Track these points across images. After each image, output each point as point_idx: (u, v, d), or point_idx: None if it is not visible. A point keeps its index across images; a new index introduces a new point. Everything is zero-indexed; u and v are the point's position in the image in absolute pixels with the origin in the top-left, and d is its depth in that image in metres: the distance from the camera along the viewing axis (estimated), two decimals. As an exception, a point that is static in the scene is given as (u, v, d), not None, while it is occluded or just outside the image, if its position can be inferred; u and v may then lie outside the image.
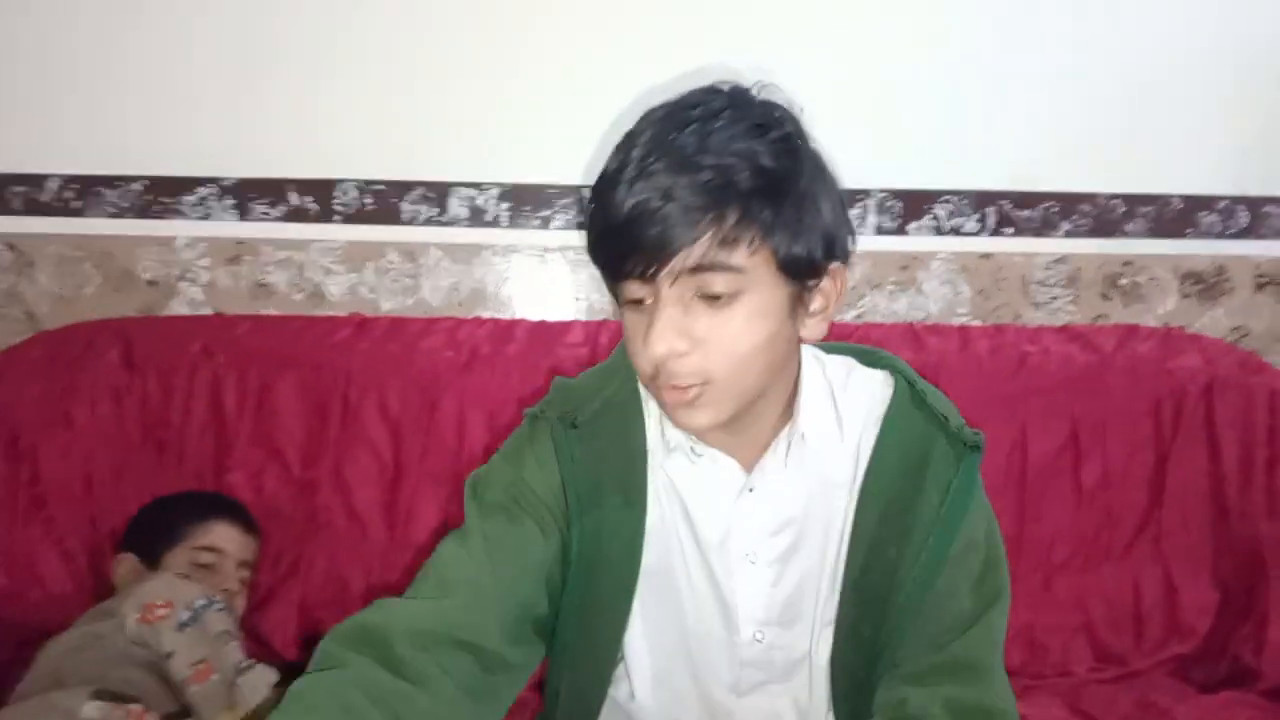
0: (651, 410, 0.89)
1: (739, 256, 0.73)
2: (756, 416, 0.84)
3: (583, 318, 1.76)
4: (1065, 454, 1.69)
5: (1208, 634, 1.65)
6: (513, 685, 0.85)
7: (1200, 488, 1.70)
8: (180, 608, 1.19)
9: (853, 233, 0.81)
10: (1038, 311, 1.90)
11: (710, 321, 0.75)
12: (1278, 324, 1.97)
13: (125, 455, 1.54)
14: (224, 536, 1.41)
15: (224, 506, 1.46)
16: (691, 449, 0.87)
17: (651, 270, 0.73)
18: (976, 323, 1.86)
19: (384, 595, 1.51)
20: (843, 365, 0.91)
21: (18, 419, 1.50)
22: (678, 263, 0.72)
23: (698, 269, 0.73)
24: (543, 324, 1.72)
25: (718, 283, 0.73)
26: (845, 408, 0.88)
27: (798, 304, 0.79)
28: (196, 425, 1.57)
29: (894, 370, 0.91)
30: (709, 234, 0.72)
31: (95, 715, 1.01)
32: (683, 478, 0.88)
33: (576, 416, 0.88)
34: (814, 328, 0.82)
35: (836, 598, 0.88)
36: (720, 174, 0.71)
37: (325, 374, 1.61)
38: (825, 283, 0.80)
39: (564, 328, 1.71)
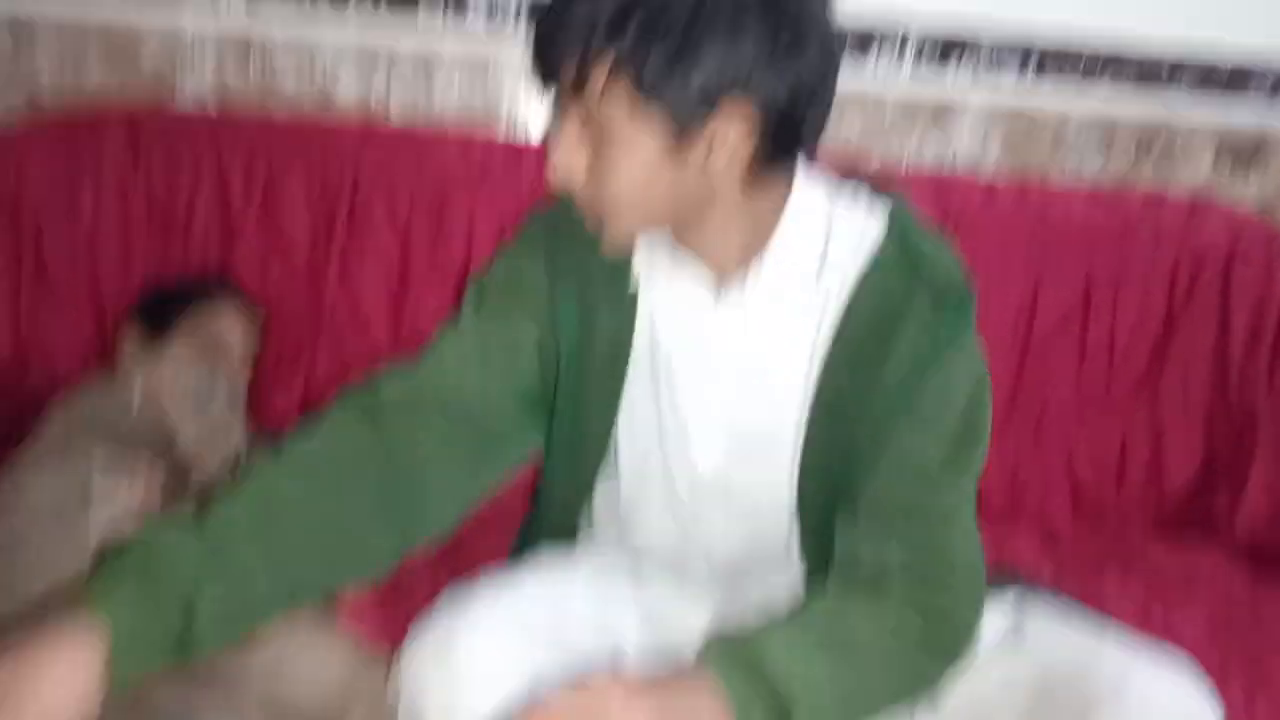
0: None
1: (599, 85, 0.71)
2: (712, 237, 0.81)
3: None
4: (1074, 315, 1.69)
5: (1188, 489, 1.69)
6: (507, 454, 0.87)
7: (1204, 357, 1.70)
8: (188, 387, 1.22)
9: (808, 76, 0.74)
10: (1067, 171, 1.85)
11: (592, 153, 0.75)
12: (1308, 201, 1.92)
13: (130, 234, 1.54)
14: (230, 321, 1.42)
15: (230, 291, 1.47)
16: (670, 255, 0.85)
17: (545, 82, 0.75)
18: (1001, 176, 1.82)
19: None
20: (846, 195, 0.87)
21: (22, 198, 1.49)
22: (564, 78, 0.73)
23: (575, 89, 0.72)
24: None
25: (588, 110, 0.73)
26: (835, 239, 0.84)
27: (682, 146, 0.74)
28: (202, 215, 1.56)
29: (895, 211, 0.87)
30: (576, 59, 0.71)
31: (106, 475, 1.04)
32: (661, 287, 0.87)
33: (570, 214, 0.86)
34: (722, 168, 0.76)
35: (802, 436, 0.87)
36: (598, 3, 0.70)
37: (333, 174, 1.59)
38: (716, 125, 0.74)
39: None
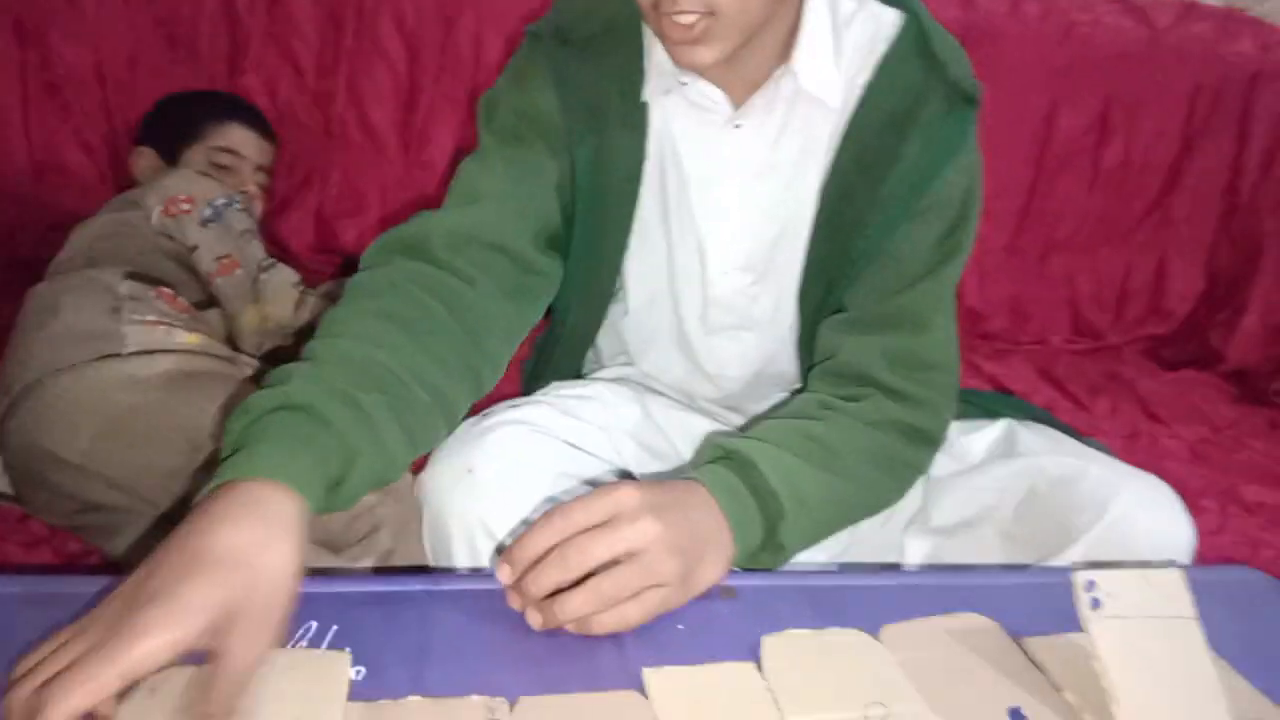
0: (649, 34, 0.84)
1: None
2: (753, 51, 0.80)
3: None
4: (1091, 132, 1.68)
5: (1186, 318, 1.74)
6: (542, 290, 0.88)
7: (1217, 179, 1.70)
8: (202, 204, 1.22)
9: None
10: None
11: None
12: (1346, 15, 1.85)
13: (137, 49, 1.51)
14: (242, 139, 1.41)
15: (242, 109, 1.45)
16: (678, 79, 0.83)
17: None
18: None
19: (400, 210, 1.57)
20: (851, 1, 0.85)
21: (27, 9, 1.45)
22: None
23: None
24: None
25: None
26: (847, 45, 0.83)
27: None
28: (208, 22, 1.52)
29: (907, 10, 0.84)
30: None
31: (133, 292, 1.08)
32: (675, 108, 0.86)
33: (571, 34, 0.84)
34: None
35: (806, 247, 0.88)
36: None
37: (339, -15, 1.54)
38: None
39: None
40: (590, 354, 1.03)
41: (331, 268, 1.54)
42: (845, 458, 0.78)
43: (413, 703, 0.55)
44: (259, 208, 1.43)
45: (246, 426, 0.60)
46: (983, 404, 1.01)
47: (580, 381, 0.99)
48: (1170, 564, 0.67)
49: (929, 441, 0.85)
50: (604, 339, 1.02)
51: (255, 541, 0.52)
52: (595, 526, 0.61)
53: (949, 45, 0.83)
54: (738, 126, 0.85)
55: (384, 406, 0.65)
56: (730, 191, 0.88)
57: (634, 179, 0.87)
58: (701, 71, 0.81)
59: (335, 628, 0.61)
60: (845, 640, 0.63)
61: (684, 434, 0.98)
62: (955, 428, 0.95)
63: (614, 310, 0.98)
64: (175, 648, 0.47)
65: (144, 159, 1.38)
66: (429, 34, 1.56)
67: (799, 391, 0.91)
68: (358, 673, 0.58)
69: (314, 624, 0.61)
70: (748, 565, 0.72)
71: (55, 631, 0.51)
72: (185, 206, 1.22)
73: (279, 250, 1.53)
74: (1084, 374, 1.60)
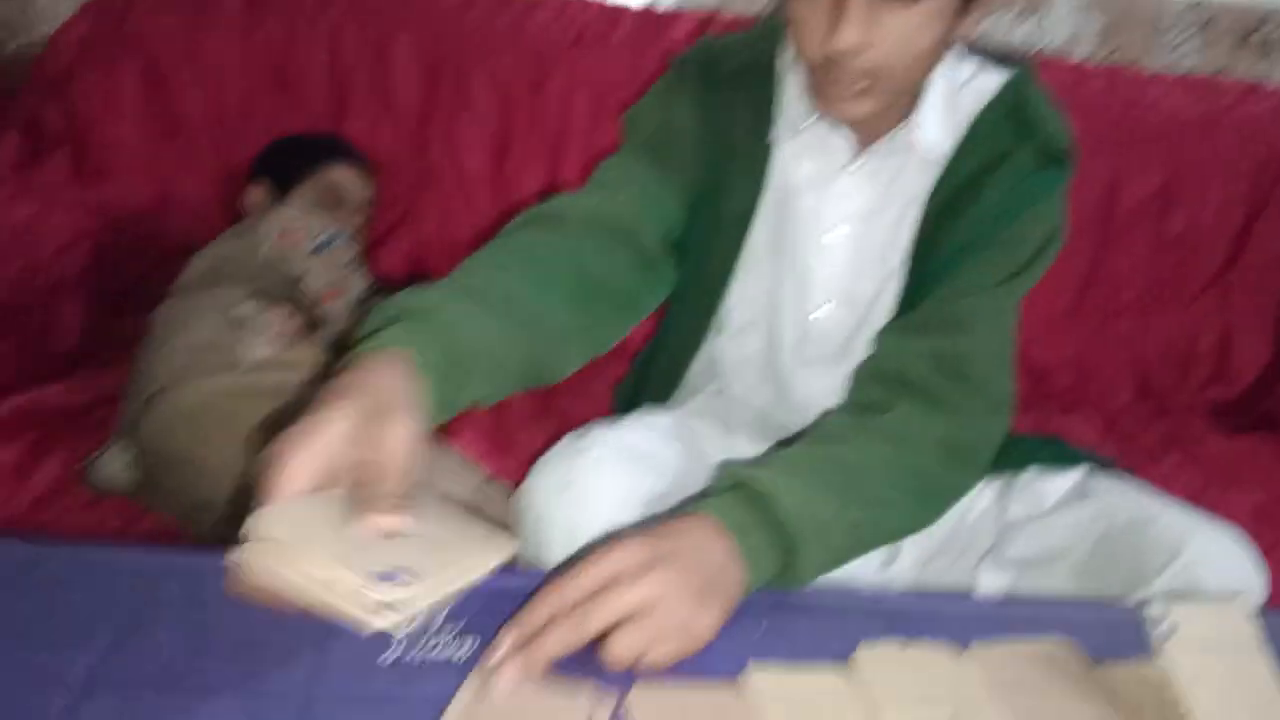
0: (789, 79, 0.92)
1: None
2: (890, 107, 0.86)
3: (689, 8, 1.74)
4: (1155, 202, 1.71)
5: (1252, 384, 1.74)
6: (657, 286, 0.93)
7: (1281, 254, 1.72)
8: (312, 235, 1.32)
9: None
10: (1162, 58, 1.83)
11: (894, 19, 0.75)
12: None
13: (251, 93, 1.62)
14: (346, 178, 1.51)
15: (346, 150, 1.56)
16: (815, 117, 0.89)
17: None
18: (1095, 62, 1.80)
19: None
20: (973, 65, 0.92)
21: (152, 46, 1.57)
22: None
23: None
24: (649, 11, 1.72)
25: None
26: (961, 106, 0.90)
27: (968, 9, 0.80)
28: (317, 71, 1.64)
29: (1019, 74, 0.91)
30: None
31: (250, 312, 1.17)
32: (799, 149, 0.93)
33: (715, 68, 0.92)
34: (973, 26, 0.83)
35: (894, 284, 0.93)
36: None
37: (439, 38, 1.65)
38: None
39: (672, 18, 1.71)
40: (685, 375, 1.06)
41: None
42: (871, 483, 0.77)
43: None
44: (360, 244, 1.53)
45: (366, 329, 0.66)
46: (1063, 453, 1.02)
47: (669, 411, 1.03)
48: (1234, 594, 0.70)
49: (968, 460, 0.84)
50: (697, 365, 1.05)
51: (368, 376, 0.59)
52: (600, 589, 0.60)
53: (1044, 110, 0.89)
54: (854, 172, 0.91)
55: (496, 302, 0.71)
56: (838, 231, 0.93)
57: (749, 213, 0.93)
58: (845, 122, 0.87)
59: (443, 613, 0.66)
60: (935, 654, 0.66)
61: None
62: (1032, 472, 0.97)
63: (712, 337, 1.02)
64: (314, 458, 0.54)
65: (256, 194, 1.48)
66: (519, 91, 1.66)
67: None
68: (467, 652, 0.63)
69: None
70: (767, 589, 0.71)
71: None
72: (297, 237, 1.31)
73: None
74: (1148, 434, 1.60)
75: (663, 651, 0.61)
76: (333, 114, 1.65)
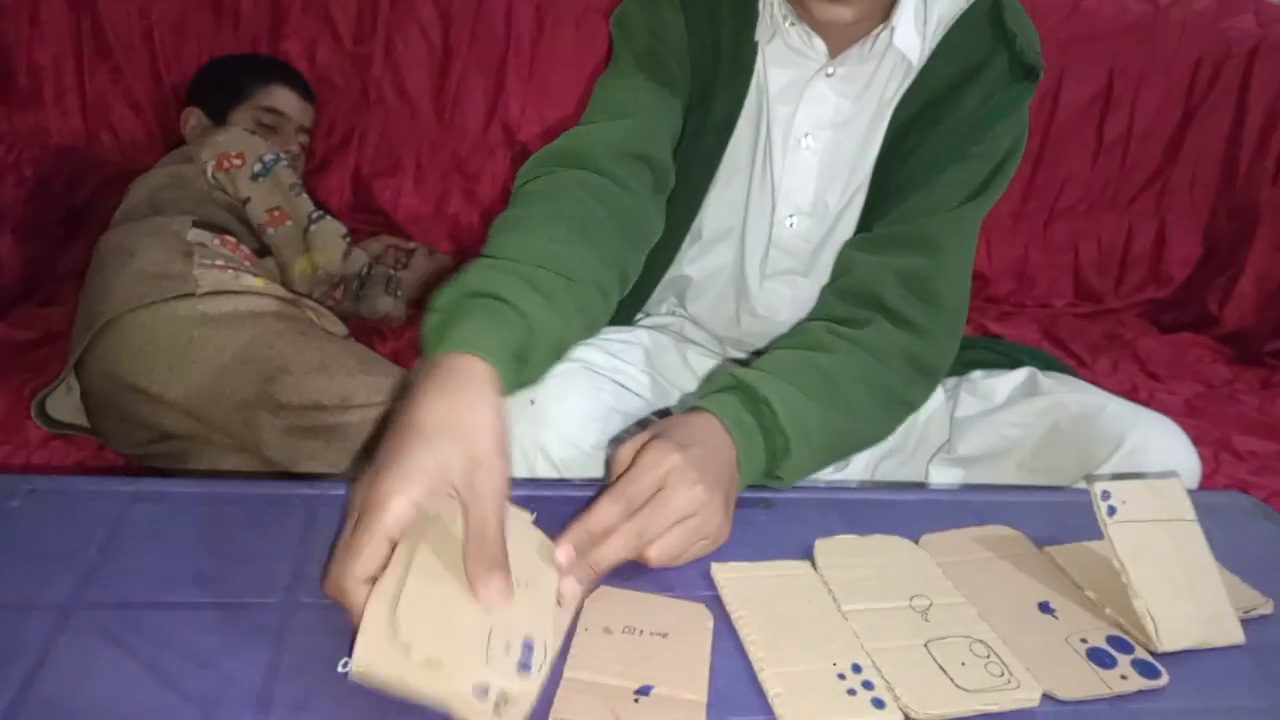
0: None
1: None
2: (869, 9, 0.87)
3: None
4: (1095, 104, 1.74)
5: (1184, 283, 1.81)
6: (664, 209, 0.92)
7: (1216, 150, 1.77)
8: (252, 159, 1.29)
9: None
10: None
11: None
12: (1344, -7, 1.91)
13: (182, 12, 1.56)
14: (285, 100, 1.47)
15: (285, 71, 1.52)
16: (789, 21, 0.89)
17: None
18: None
19: (432, 172, 1.63)
20: None
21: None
22: None
23: None
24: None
25: None
26: (934, 11, 0.90)
27: None
28: (249, -3, 1.58)
29: None
30: None
31: (199, 239, 1.15)
32: (775, 53, 0.92)
33: None
34: None
35: (863, 196, 0.94)
36: None
37: (376, -49, 1.60)
38: None
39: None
40: (650, 293, 1.06)
41: (369, 225, 1.61)
42: (849, 392, 0.80)
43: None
44: (301, 168, 1.50)
45: (441, 317, 0.65)
46: (1007, 352, 1.06)
47: (625, 328, 1.04)
48: (1171, 474, 0.74)
49: (930, 375, 0.87)
50: (665, 281, 1.05)
51: (458, 406, 0.58)
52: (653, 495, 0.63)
53: (1021, 21, 0.89)
54: (830, 74, 0.91)
55: (560, 288, 0.71)
56: (811, 140, 0.93)
57: (732, 119, 0.93)
58: (830, 24, 0.87)
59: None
60: (889, 544, 0.70)
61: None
62: (980, 372, 1.01)
63: (685, 249, 1.02)
64: (411, 506, 0.53)
65: (193, 118, 1.44)
66: (461, 4, 1.62)
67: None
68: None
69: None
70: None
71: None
72: (237, 162, 1.28)
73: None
74: (1086, 335, 1.67)
75: (695, 552, 0.65)
76: (269, 34, 1.60)
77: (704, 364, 1.05)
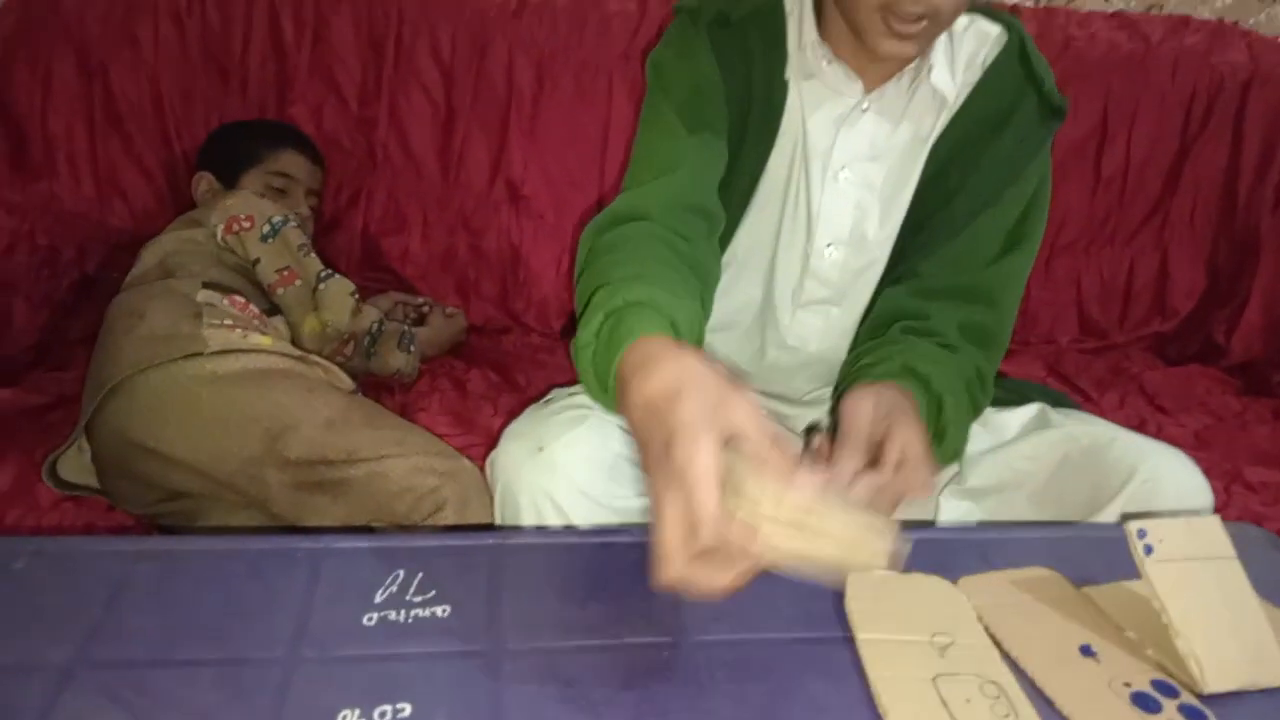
0: (792, 21, 0.95)
1: None
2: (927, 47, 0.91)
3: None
4: (1092, 140, 1.75)
5: (1189, 315, 1.80)
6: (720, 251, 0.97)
7: (1215, 181, 1.78)
8: (261, 222, 1.31)
9: None
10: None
11: None
12: (1334, 26, 1.94)
13: (191, 79, 1.60)
14: (294, 164, 1.50)
15: (294, 135, 1.55)
16: (825, 60, 0.93)
17: None
18: (1029, 3, 1.83)
19: (439, 228, 1.66)
20: (965, 15, 0.95)
21: (85, 37, 1.55)
22: None
23: None
24: (593, -26, 1.71)
25: None
26: (960, 51, 0.94)
27: None
28: (257, 54, 1.62)
29: (1010, 26, 0.96)
30: None
31: (209, 300, 1.17)
32: (809, 88, 0.96)
33: (731, 14, 0.94)
34: None
35: (898, 229, 0.98)
36: None
37: (378, 11, 1.63)
38: None
39: (612, -19, 1.71)
40: None
41: (378, 282, 1.63)
42: (958, 390, 0.88)
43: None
44: (310, 230, 1.52)
45: (595, 341, 0.70)
46: (1015, 389, 1.07)
47: None
48: (1242, 530, 0.74)
49: (982, 406, 0.95)
50: None
51: (680, 366, 0.60)
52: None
53: (1043, 62, 0.94)
54: (865, 109, 0.94)
55: (682, 291, 0.75)
56: (847, 172, 0.96)
57: (765, 156, 0.96)
58: (883, 62, 0.91)
59: (421, 575, 0.69)
60: (926, 583, 0.70)
61: None
62: (991, 408, 1.01)
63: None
64: (714, 460, 0.53)
65: (204, 183, 1.47)
66: (463, 62, 1.65)
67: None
68: (444, 611, 0.65)
69: (401, 572, 0.68)
70: None
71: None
72: (246, 225, 1.31)
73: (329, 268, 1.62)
74: (1091, 370, 1.66)
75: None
76: (276, 98, 1.64)
77: None
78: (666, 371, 0.59)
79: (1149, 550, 0.63)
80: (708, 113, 0.93)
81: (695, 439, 0.53)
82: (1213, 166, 1.77)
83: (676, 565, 0.53)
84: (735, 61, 0.93)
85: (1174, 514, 0.82)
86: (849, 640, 0.64)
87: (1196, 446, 1.40)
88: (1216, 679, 0.60)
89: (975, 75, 0.93)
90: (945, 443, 0.85)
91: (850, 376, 0.90)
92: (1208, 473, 0.88)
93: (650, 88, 0.96)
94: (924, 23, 0.82)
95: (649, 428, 0.58)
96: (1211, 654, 0.60)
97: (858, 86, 0.94)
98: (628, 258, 0.79)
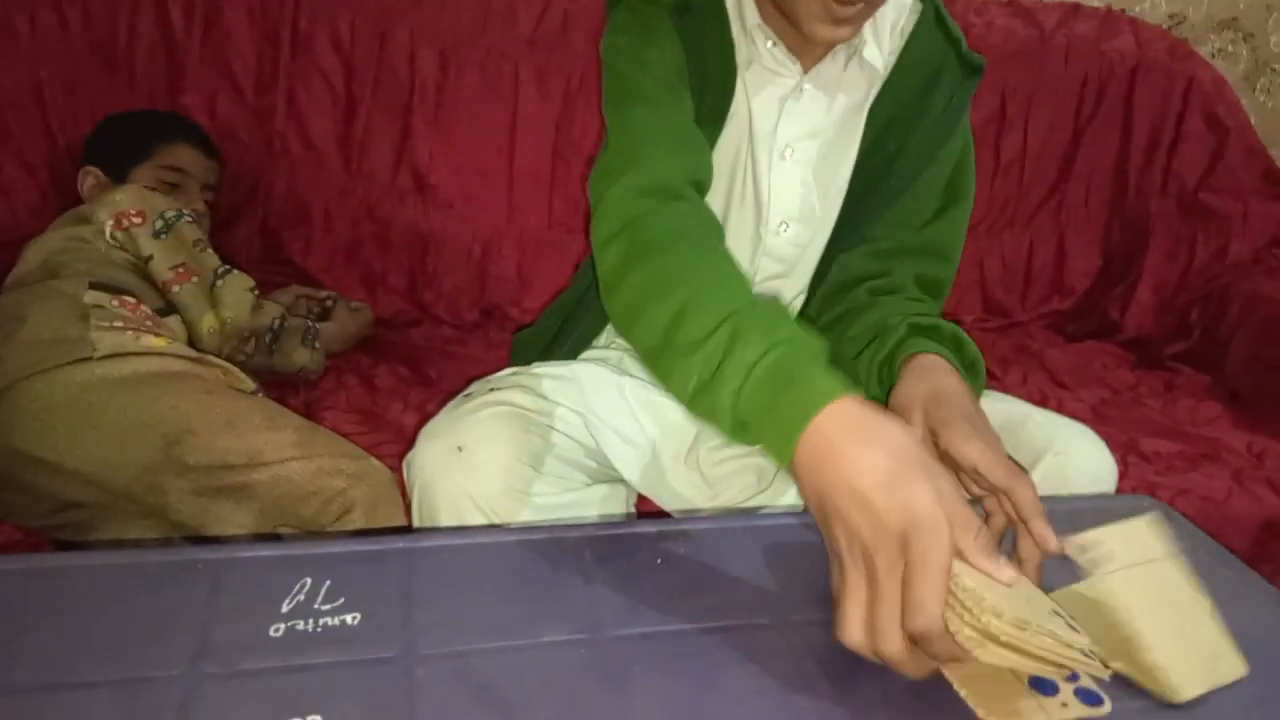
0: (732, 6, 0.96)
1: None
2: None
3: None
4: (991, 126, 1.80)
5: (1085, 293, 1.87)
6: None
7: (1106, 166, 1.84)
8: (153, 216, 1.26)
9: None
10: (989, -16, 1.91)
11: None
12: (1215, 12, 2.02)
13: (74, 70, 1.53)
14: (188, 158, 1.44)
15: (187, 128, 1.48)
16: (770, 44, 0.94)
17: None
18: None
19: (342, 220, 1.62)
20: None
21: (-44, 24, 1.47)
22: None
23: None
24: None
25: None
26: (881, 23, 0.96)
27: None
28: (145, 43, 1.55)
29: None
30: None
31: (96, 302, 1.11)
32: (753, 73, 0.97)
33: (689, 3, 0.94)
34: None
35: (843, 197, 1.00)
36: None
37: (274, 3, 1.58)
38: None
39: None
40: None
41: (280, 276, 1.58)
42: None
43: None
44: (206, 226, 1.47)
45: (759, 380, 0.64)
46: None
47: (561, 363, 1.04)
48: (1138, 502, 0.75)
49: None
50: None
51: (903, 443, 0.59)
52: None
53: (956, 26, 0.98)
54: (805, 89, 0.96)
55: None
56: (791, 150, 0.98)
57: (714, 139, 0.96)
58: (821, 44, 0.93)
59: (329, 582, 0.67)
60: None
61: (657, 421, 1.03)
62: None
63: None
64: (949, 566, 0.54)
65: (90, 178, 1.40)
66: (364, 50, 1.61)
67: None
68: (354, 618, 0.63)
69: (308, 580, 0.66)
70: None
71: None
72: (136, 220, 1.25)
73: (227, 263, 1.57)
74: (996, 349, 1.72)
75: None
76: (167, 89, 1.58)
77: (642, 399, 1.04)
78: (892, 445, 0.58)
79: (1094, 564, 0.62)
80: (684, 94, 0.93)
81: (935, 529, 0.54)
82: (1104, 151, 1.83)
83: (898, 644, 0.55)
84: (694, 47, 0.94)
85: (1084, 492, 0.85)
86: (767, 626, 0.64)
87: (1095, 420, 1.46)
88: (1187, 686, 0.59)
89: (899, 43, 0.97)
90: (979, 375, 0.88)
91: (861, 353, 0.92)
92: (1106, 444, 0.91)
93: (614, 69, 0.94)
94: (861, 4, 0.84)
95: (876, 500, 0.56)
96: (1178, 661, 0.59)
97: (796, 67, 0.96)
98: (705, 256, 0.76)
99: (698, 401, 0.68)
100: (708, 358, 0.67)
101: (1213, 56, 2.02)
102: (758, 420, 0.64)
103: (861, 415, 0.60)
